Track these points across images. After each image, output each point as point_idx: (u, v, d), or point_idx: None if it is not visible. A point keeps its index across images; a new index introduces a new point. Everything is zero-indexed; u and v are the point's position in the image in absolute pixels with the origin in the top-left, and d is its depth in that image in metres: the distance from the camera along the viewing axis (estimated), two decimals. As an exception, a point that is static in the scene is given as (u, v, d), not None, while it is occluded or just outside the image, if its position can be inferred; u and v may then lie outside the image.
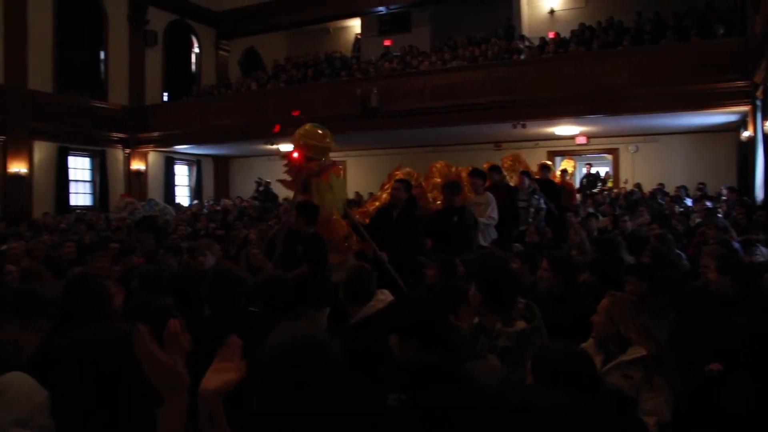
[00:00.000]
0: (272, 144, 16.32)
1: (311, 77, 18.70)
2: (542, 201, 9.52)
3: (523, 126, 14.31)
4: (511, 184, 10.18)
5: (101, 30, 19.25)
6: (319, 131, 6.50)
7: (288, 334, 1.83)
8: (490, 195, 8.09)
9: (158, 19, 20.66)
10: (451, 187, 7.47)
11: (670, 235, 6.63)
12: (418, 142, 17.23)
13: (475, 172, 8.62)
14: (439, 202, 8.06)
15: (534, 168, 11.50)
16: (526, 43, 16.91)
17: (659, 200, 12.74)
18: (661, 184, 14.75)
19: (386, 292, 3.71)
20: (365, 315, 3.59)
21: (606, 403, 2.31)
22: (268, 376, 1.74)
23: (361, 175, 18.79)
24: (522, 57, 15.66)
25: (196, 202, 19.99)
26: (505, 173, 10.51)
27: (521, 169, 10.52)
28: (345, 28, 24.33)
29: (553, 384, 2.05)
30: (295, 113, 8.23)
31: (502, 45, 16.50)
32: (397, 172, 8.54)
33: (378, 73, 17.18)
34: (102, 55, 19.37)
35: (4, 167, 16.34)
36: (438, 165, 9.11)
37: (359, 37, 23.03)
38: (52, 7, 17.63)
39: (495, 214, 7.93)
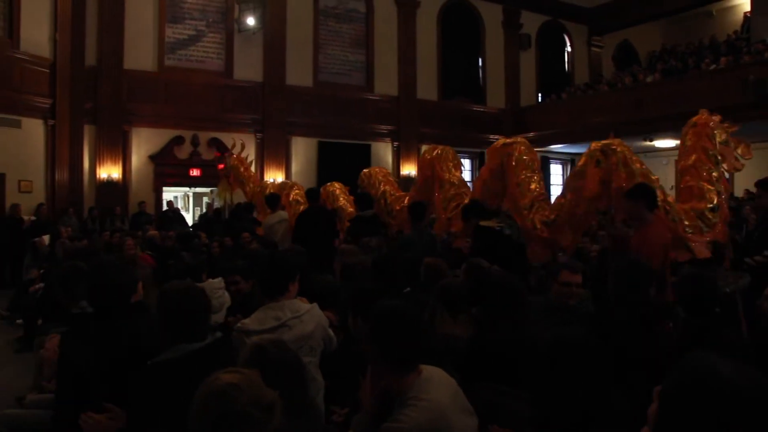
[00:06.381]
0: (650, 140, 15.62)
1: (693, 66, 17.44)
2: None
3: None
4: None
5: (478, 38, 20.48)
6: None
7: None
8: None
9: (531, 22, 21.27)
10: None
11: None
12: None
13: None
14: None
15: None
16: None
17: None
18: None
19: None
20: None
21: None
22: None
23: (749, 171, 16.88)
24: None
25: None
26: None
27: None
28: (731, 8, 22.17)
29: None
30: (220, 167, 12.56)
31: None
32: None
33: (774, 55, 15.32)
34: (480, 61, 20.58)
35: (398, 169, 18.32)
36: None
37: (748, 15, 20.81)
38: (436, 22, 19.30)
39: None
